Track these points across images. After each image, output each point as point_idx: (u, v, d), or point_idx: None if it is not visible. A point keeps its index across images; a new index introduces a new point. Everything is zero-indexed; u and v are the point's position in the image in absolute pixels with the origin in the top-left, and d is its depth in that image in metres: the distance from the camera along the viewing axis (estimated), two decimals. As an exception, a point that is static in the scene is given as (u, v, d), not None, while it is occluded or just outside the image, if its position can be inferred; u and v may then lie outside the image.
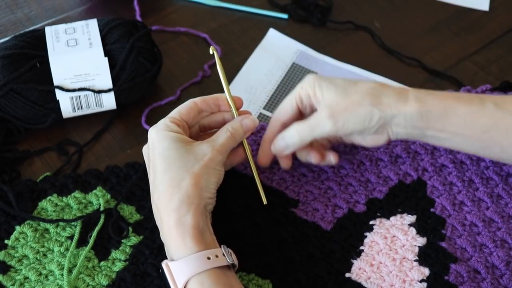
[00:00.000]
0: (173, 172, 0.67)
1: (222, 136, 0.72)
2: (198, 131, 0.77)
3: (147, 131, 0.86)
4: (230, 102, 0.76)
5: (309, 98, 0.74)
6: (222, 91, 0.92)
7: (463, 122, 0.71)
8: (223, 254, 0.65)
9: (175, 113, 0.73)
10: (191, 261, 0.63)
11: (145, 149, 0.74)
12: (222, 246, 0.66)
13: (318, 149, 0.79)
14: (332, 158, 0.79)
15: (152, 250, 0.73)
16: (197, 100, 0.75)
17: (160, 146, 0.69)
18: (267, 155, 0.78)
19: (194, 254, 0.64)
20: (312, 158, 0.78)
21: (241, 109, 0.78)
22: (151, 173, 0.70)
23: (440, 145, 0.77)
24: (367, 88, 0.72)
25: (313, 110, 0.76)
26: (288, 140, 0.75)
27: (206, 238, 0.66)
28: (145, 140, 0.85)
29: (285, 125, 0.77)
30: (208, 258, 0.64)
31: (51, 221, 0.74)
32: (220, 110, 0.77)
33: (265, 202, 0.76)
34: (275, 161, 0.82)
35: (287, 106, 0.77)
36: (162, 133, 0.70)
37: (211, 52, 0.78)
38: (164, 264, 0.65)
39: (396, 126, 0.72)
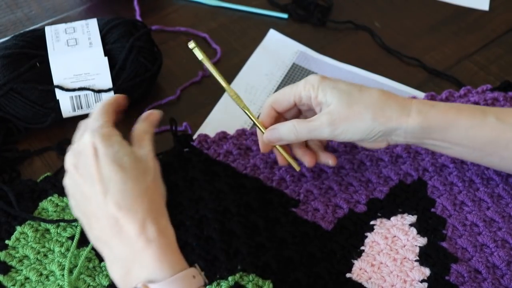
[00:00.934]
0: (135, 181, 0.61)
1: (145, 143, 0.66)
2: None
3: (147, 131, 0.86)
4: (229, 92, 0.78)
5: (310, 99, 0.74)
6: (223, 91, 0.92)
7: (464, 135, 0.71)
8: (199, 273, 0.60)
9: (103, 115, 0.66)
10: (177, 282, 0.57)
11: (70, 163, 0.64)
12: (194, 265, 0.61)
13: (314, 147, 0.79)
14: (330, 161, 0.78)
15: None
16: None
17: (110, 152, 0.61)
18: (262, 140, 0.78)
19: (180, 274, 0.58)
20: (306, 161, 0.78)
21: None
22: (98, 184, 0.60)
23: (439, 152, 0.77)
24: (370, 99, 0.71)
25: (310, 108, 0.76)
26: (283, 135, 0.74)
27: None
28: (145, 140, 0.86)
29: (278, 114, 0.77)
30: (194, 277, 0.59)
31: (51, 221, 0.74)
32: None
33: (297, 169, 0.78)
34: (274, 162, 0.82)
35: (284, 99, 0.75)
36: (110, 138, 0.63)
37: (190, 46, 0.76)
38: (142, 287, 0.57)
39: (396, 136, 0.72)
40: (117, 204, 0.59)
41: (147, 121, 0.69)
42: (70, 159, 0.64)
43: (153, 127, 0.69)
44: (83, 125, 0.66)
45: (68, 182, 0.65)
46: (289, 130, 0.73)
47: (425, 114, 0.70)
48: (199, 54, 0.77)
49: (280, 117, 0.78)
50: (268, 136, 0.75)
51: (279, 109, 0.76)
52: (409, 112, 0.71)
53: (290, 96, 0.75)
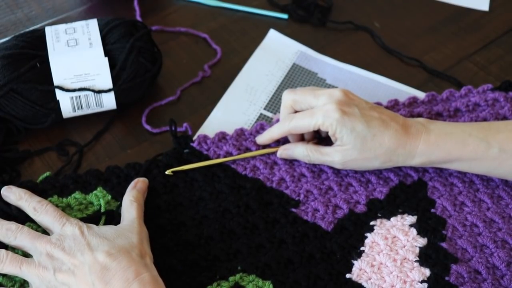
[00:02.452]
0: (122, 244, 0.67)
1: (132, 210, 0.72)
2: None
3: (147, 131, 0.87)
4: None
5: (327, 132, 0.78)
6: (223, 91, 0.93)
7: (467, 167, 0.78)
8: None
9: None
10: None
11: (55, 246, 0.67)
12: None
13: (308, 138, 0.84)
14: None
15: (153, 251, 0.73)
16: None
17: (94, 231, 0.68)
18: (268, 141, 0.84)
19: None
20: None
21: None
22: (88, 250, 0.66)
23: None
24: (381, 149, 0.76)
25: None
26: (296, 155, 0.81)
27: None
28: (145, 140, 0.86)
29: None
30: None
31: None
32: None
33: None
34: (274, 162, 0.82)
35: (303, 129, 0.79)
36: (88, 225, 0.70)
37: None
38: None
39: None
40: (109, 254, 0.65)
41: (134, 189, 0.75)
42: (56, 244, 0.67)
43: (142, 194, 0.76)
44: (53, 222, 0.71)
45: (46, 269, 0.66)
46: (303, 155, 0.80)
47: (427, 156, 0.76)
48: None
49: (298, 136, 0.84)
50: (282, 155, 0.82)
51: (296, 133, 0.82)
52: (413, 156, 0.77)
53: (309, 127, 0.78)
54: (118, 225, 0.71)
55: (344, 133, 0.76)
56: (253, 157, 0.82)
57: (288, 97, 0.80)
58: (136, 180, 0.77)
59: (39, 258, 0.67)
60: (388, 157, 0.77)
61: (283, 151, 0.82)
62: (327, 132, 0.78)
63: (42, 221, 0.72)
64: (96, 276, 0.63)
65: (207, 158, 0.82)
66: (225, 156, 0.82)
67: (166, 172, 0.79)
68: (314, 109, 0.77)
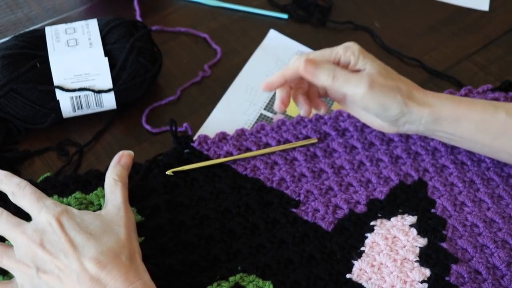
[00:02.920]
0: (108, 243, 0.63)
1: (117, 192, 0.69)
2: None
3: (147, 131, 0.87)
4: None
5: (347, 65, 0.75)
6: (223, 91, 0.93)
7: (475, 128, 0.75)
8: None
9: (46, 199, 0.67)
10: None
11: (33, 241, 0.62)
12: None
13: (311, 95, 0.80)
14: (322, 109, 0.80)
15: (153, 251, 0.73)
16: None
17: (75, 223, 0.63)
18: (278, 80, 0.76)
19: None
20: (303, 109, 0.79)
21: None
22: (73, 253, 0.61)
23: (449, 143, 0.80)
24: (404, 81, 0.75)
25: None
26: (319, 72, 0.73)
27: None
28: (145, 140, 0.86)
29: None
30: None
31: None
32: None
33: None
34: (274, 162, 0.82)
35: (323, 58, 0.75)
36: (68, 211, 0.64)
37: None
38: None
39: (410, 124, 0.75)
40: (98, 261, 0.60)
41: (118, 165, 0.71)
42: (31, 238, 0.62)
43: (126, 171, 0.71)
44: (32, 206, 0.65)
45: (27, 267, 0.63)
46: (329, 72, 0.73)
47: (439, 108, 0.74)
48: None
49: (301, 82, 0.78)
50: (307, 66, 0.73)
51: (313, 69, 0.73)
52: (426, 105, 0.74)
53: (330, 57, 0.75)
54: (103, 213, 0.66)
55: (367, 62, 0.74)
56: (254, 157, 0.82)
57: (305, 56, 0.74)
58: (120, 153, 0.73)
59: (19, 253, 0.63)
60: (410, 92, 0.74)
61: (308, 63, 0.73)
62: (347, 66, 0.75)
63: (22, 206, 0.66)
64: (90, 286, 0.60)
65: (208, 158, 0.82)
66: (225, 156, 0.82)
67: (167, 173, 0.79)
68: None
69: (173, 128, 0.84)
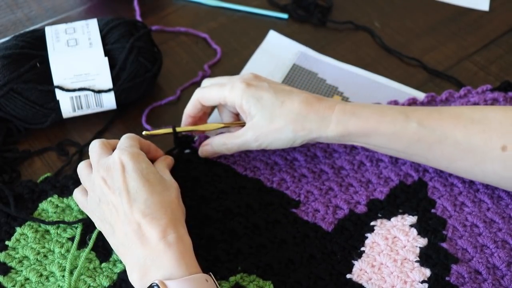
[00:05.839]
0: (159, 196, 0.67)
1: (169, 174, 0.74)
2: None
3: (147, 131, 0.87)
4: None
5: (234, 105, 0.76)
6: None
7: (387, 140, 0.74)
8: (213, 280, 0.65)
9: (132, 139, 0.74)
10: (192, 282, 0.62)
11: (100, 176, 0.70)
12: (208, 273, 0.65)
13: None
14: None
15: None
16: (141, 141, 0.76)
17: (138, 168, 0.68)
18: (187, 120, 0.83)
19: (196, 275, 0.63)
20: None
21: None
22: (126, 195, 0.67)
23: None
24: (291, 115, 0.74)
25: (236, 111, 0.79)
26: (215, 147, 0.79)
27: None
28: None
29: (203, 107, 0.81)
30: (206, 281, 0.63)
31: (51, 223, 0.74)
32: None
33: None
34: (275, 162, 0.82)
35: (210, 99, 0.78)
36: (138, 156, 0.70)
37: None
38: (158, 282, 0.61)
39: (320, 140, 0.76)
40: (142, 212, 0.65)
41: (165, 161, 0.77)
42: (99, 173, 0.69)
43: (169, 168, 0.76)
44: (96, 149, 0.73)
45: (94, 193, 0.70)
46: (221, 144, 0.79)
47: (344, 124, 0.74)
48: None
49: (206, 109, 0.82)
50: (203, 152, 0.81)
51: (206, 104, 0.80)
52: (328, 124, 0.74)
53: (216, 98, 0.78)
54: (158, 174, 0.71)
55: (251, 103, 0.74)
56: (251, 156, 0.82)
57: (196, 93, 0.80)
58: (166, 156, 0.79)
59: (92, 179, 0.71)
60: (301, 125, 0.74)
61: (203, 148, 0.81)
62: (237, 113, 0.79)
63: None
64: (130, 229, 0.65)
65: (208, 158, 0.82)
66: (225, 157, 0.82)
67: (143, 133, 0.79)
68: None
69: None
